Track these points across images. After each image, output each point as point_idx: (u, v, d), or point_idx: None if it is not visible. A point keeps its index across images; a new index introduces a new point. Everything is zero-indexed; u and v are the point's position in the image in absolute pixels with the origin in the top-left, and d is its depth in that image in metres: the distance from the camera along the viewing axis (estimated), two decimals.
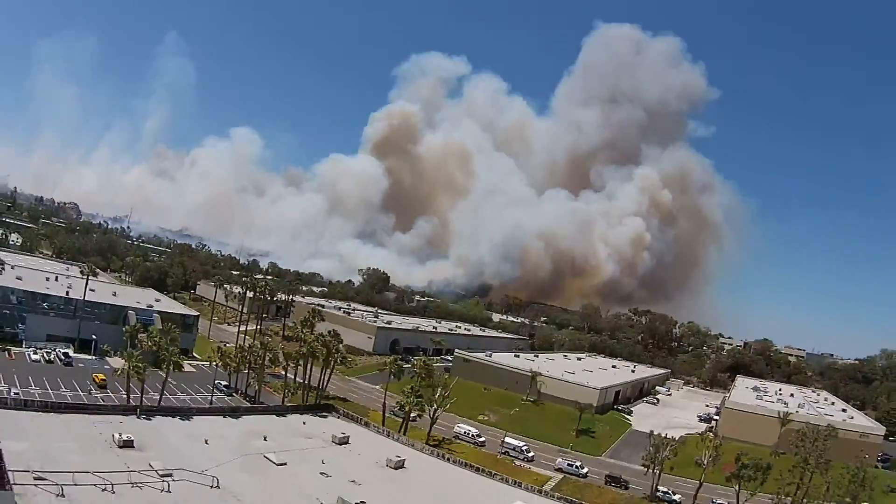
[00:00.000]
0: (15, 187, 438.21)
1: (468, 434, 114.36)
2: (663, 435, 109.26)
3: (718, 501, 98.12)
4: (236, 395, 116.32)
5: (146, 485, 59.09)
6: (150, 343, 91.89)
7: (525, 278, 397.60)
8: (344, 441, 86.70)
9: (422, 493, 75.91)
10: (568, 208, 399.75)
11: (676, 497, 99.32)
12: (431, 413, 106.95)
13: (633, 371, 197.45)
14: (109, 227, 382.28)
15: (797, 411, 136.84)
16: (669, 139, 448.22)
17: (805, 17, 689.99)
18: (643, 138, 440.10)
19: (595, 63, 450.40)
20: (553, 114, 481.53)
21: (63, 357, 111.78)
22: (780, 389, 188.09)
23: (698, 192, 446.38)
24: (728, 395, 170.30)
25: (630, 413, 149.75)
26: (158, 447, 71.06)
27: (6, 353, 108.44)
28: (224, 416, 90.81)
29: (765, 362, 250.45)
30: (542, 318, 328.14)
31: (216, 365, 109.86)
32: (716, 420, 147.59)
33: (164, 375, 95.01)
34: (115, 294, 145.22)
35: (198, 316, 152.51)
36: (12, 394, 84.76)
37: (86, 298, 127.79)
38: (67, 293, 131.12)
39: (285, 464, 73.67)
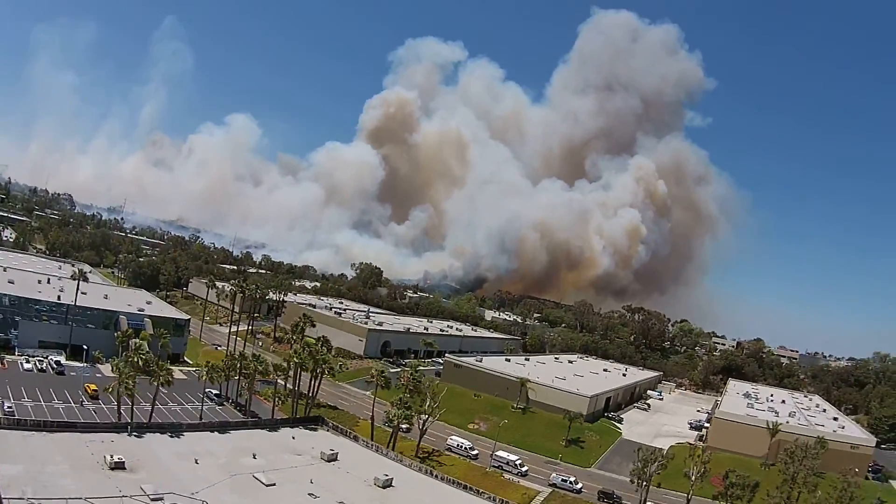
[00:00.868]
0: (9, 178, 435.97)
1: (461, 447, 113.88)
2: (653, 445, 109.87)
3: None
4: (227, 403, 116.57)
5: None
6: (138, 360, 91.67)
7: (521, 271, 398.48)
8: (332, 458, 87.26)
9: None
10: (564, 199, 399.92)
11: None
12: (421, 425, 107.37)
13: (624, 375, 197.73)
14: (104, 218, 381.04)
15: (787, 421, 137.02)
16: (665, 129, 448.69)
17: (803, 7, 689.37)
18: (639, 127, 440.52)
19: (591, 50, 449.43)
20: (548, 102, 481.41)
21: (55, 366, 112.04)
22: (771, 395, 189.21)
23: (694, 183, 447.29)
24: (720, 400, 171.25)
25: (620, 420, 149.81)
26: (149, 468, 71.76)
27: (0, 362, 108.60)
28: (213, 432, 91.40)
29: (757, 364, 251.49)
30: (536, 315, 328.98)
31: (206, 376, 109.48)
32: (706, 428, 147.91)
33: (154, 384, 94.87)
34: (106, 297, 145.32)
35: (189, 319, 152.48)
36: (5, 407, 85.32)
37: (77, 303, 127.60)
38: (59, 297, 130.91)
39: (274, 484, 74.29)
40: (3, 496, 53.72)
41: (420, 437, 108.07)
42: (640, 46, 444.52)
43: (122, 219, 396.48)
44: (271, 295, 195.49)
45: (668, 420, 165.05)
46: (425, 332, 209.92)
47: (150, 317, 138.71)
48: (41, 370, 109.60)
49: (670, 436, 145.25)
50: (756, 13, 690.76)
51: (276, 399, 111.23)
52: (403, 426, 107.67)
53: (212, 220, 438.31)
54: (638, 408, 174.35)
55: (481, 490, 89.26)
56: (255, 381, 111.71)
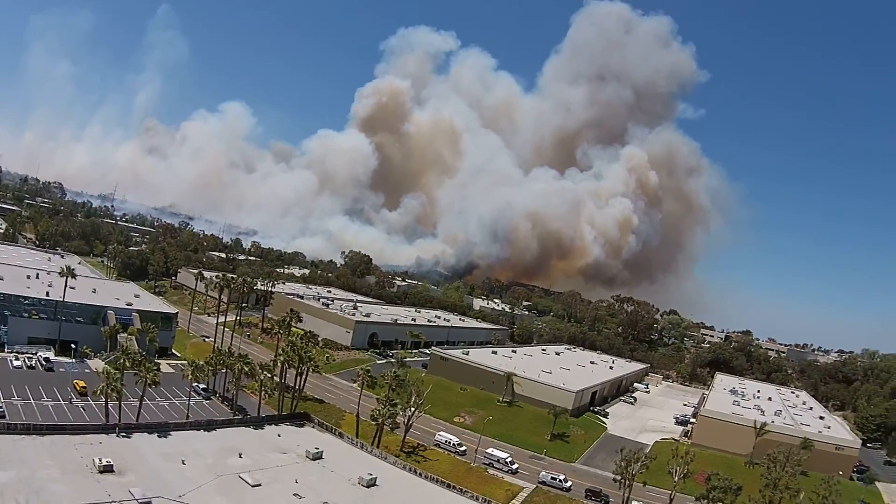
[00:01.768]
0: (1, 167, 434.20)
1: (449, 443, 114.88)
2: (638, 440, 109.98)
3: None
4: (214, 398, 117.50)
5: None
6: (125, 361, 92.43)
7: (512, 259, 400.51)
8: (318, 456, 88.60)
9: None
10: (556, 188, 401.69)
11: None
12: (406, 420, 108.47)
13: (611, 367, 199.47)
14: (94, 206, 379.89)
15: (773, 420, 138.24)
16: (657, 120, 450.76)
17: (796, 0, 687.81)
18: (630, 118, 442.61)
19: (584, 41, 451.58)
20: (540, 91, 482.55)
21: (44, 362, 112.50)
22: (758, 391, 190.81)
23: (685, 174, 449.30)
24: (706, 395, 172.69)
25: (606, 415, 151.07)
26: (137, 470, 72.96)
27: None
28: (200, 430, 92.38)
29: (745, 358, 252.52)
30: (525, 303, 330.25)
31: (191, 376, 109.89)
32: (692, 423, 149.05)
33: (143, 380, 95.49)
34: (94, 291, 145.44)
35: (177, 313, 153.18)
36: None
37: (66, 299, 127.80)
38: (48, 293, 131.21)
39: (260, 485, 75.49)
40: None
41: (405, 432, 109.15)
42: (632, 37, 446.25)
43: (112, 206, 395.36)
44: (259, 285, 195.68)
45: (653, 414, 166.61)
46: (413, 322, 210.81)
47: (138, 311, 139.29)
48: (30, 367, 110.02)
49: (656, 431, 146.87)
50: (750, 6, 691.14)
51: (263, 393, 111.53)
52: (388, 425, 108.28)
53: (205, 207, 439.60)
54: (624, 401, 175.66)
55: (465, 489, 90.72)
56: (241, 378, 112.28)
